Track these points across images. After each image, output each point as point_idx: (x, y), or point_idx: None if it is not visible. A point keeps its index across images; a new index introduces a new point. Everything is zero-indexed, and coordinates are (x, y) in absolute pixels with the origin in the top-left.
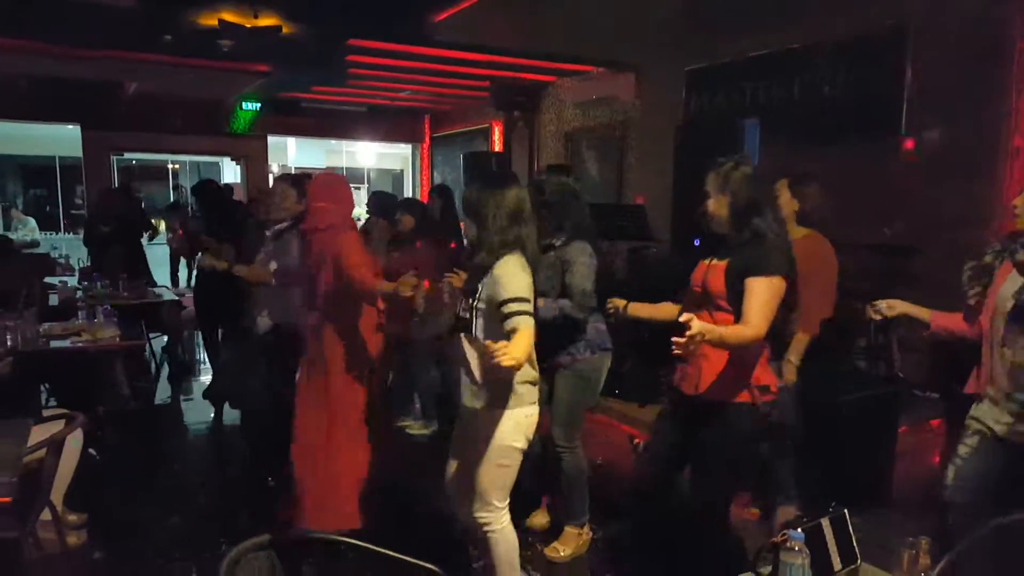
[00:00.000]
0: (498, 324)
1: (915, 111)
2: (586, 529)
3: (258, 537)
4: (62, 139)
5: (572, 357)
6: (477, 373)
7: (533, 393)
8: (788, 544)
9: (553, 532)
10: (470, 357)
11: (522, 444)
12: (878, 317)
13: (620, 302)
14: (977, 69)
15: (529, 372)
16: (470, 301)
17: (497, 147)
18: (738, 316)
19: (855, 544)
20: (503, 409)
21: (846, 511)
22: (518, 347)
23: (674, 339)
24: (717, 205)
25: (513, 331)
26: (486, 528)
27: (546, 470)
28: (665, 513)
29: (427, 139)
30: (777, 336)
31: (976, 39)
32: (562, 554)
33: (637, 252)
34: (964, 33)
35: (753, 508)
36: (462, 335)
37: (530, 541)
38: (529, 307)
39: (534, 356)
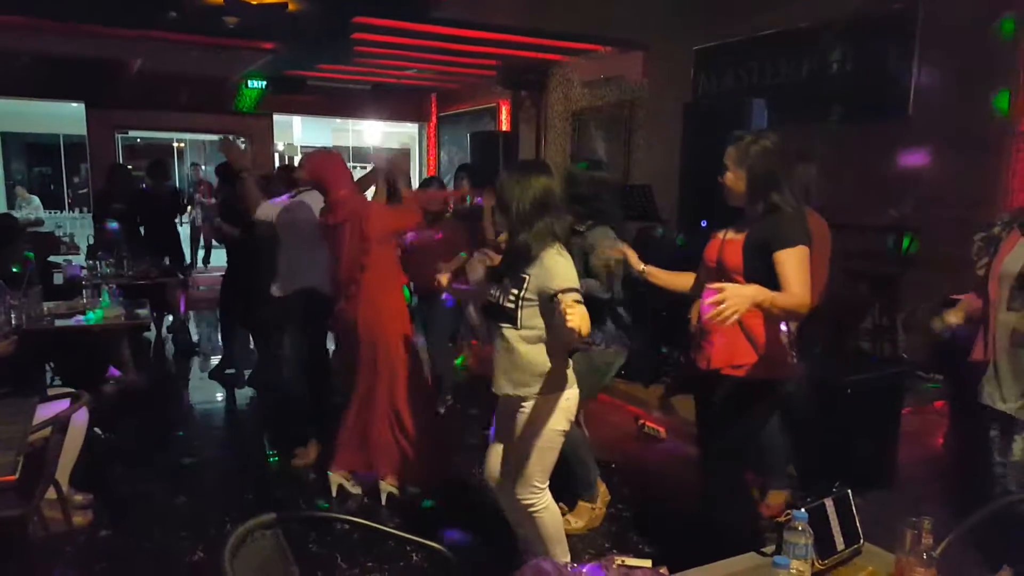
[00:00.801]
0: (547, 316)
1: (923, 90)
2: (600, 503)
3: (264, 516)
4: (66, 117)
5: (588, 344)
6: (528, 363)
7: (572, 375)
8: (792, 524)
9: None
10: (518, 346)
11: (565, 426)
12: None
13: (640, 264)
14: (985, 49)
15: (562, 360)
16: (513, 291)
17: (504, 126)
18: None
19: (858, 524)
20: (545, 394)
21: (849, 491)
22: (583, 320)
23: (707, 302)
24: (735, 179)
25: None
26: (532, 509)
27: None
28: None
29: (434, 118)
30: None
31: (984, 20)
32: (574, 525)
33: (644, 232)
34: (973, 13)
35: (774, 496)
36: (503, 325)
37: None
38: (579, 295)
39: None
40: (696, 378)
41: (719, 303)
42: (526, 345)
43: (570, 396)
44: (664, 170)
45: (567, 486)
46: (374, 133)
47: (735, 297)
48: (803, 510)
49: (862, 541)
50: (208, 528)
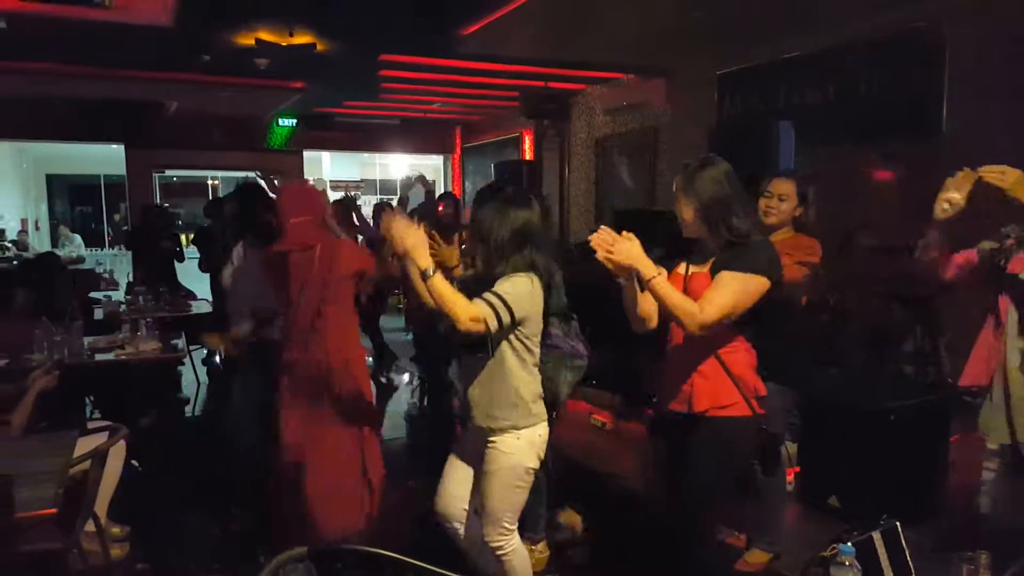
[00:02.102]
0: (518, 345)
1: (956, 107)
2: (542, 546)
3: (296, 549)
4: (107, 158)
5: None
6: (503, 395)
7: (543, 409)
8: (838, 559)
9: None
10: (495, 378)
11: (534, 464)
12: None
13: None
14: (1017, 66)
15: (537, 393)
16: None
17: (528, 156)
18: (741, 325)
19: (909, 558)
20: (517, 430)
21: (898, 524)
22: (463, 303)
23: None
24: (684, 207)
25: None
26: (500, 552)
27: None
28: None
29: (458, 150)
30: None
31: (1017, 35)
32: None
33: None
34: (1005, 29)
35: (755, 554)
36: (479, 356)
37: None
38: (499, 304)
39: (539, 381)
40: (670, 423)
41: (609, 242)
42: (500, 375)
43: (542, 432)
44: None
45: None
46: (400, 166)
47: (624, 251)
48: (849, 544)
49: None
50: (241, 561)
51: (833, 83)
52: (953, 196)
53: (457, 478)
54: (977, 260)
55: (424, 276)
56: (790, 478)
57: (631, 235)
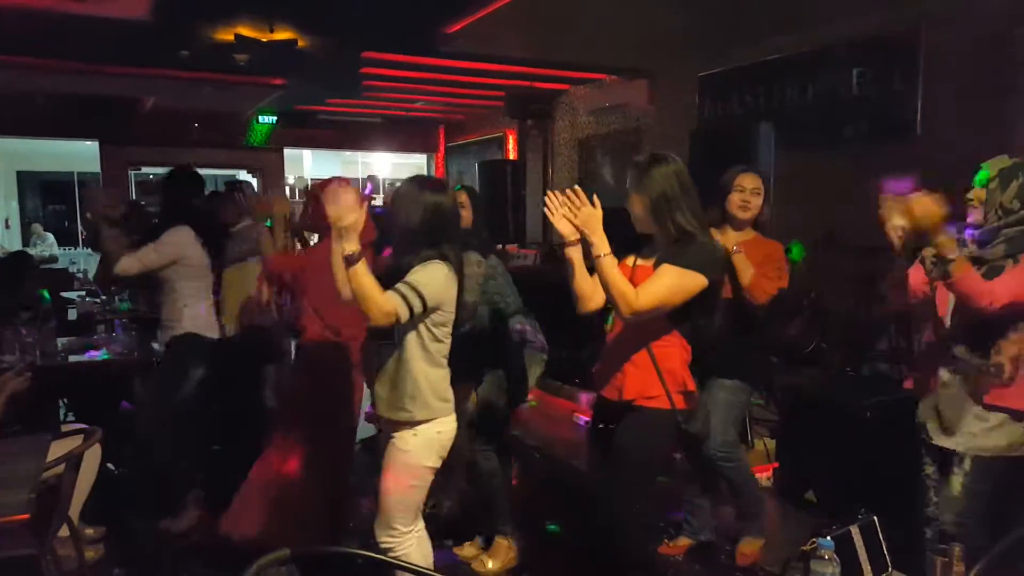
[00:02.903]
0: (425, 334)
1: (930, 111)
2: (509, 543)
3: (278, 551)
4: (80, 155)
5: (492, 364)
6: (405, 384)
7: (446, 405)
8: (818, 552)
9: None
10: (398, 367)
11: (433, 463)
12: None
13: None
14: (993, 69)
15: (441, 388)
16: None
17: (512, 155)
18: (675, 321)
19: (886, 552)
20: (414, 424)
21: (875, 518)
22: (364, 280)
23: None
24: (634, 202)
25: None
26: (390, 554)
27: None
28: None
29: (442, 149)
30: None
31: (991, 39)
32: (489, 568)
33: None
34: (979, 33)
35: (681, 540)
36: (383, 344)
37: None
38: (411, 296)
39: (447, 376)
40: (606, 410)
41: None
42: (403, 365)
43: (443, 430)
44: None
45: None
46: (383, 164)
47: (586, 217)
48: (829, 538)
49: (890, 569)
50: (222, 563)
51: (812, 85)
52: (896, 223)
53: None
54: (924, 271)
55: (349, 260)
56: (768, 473)
57: (597, 203)
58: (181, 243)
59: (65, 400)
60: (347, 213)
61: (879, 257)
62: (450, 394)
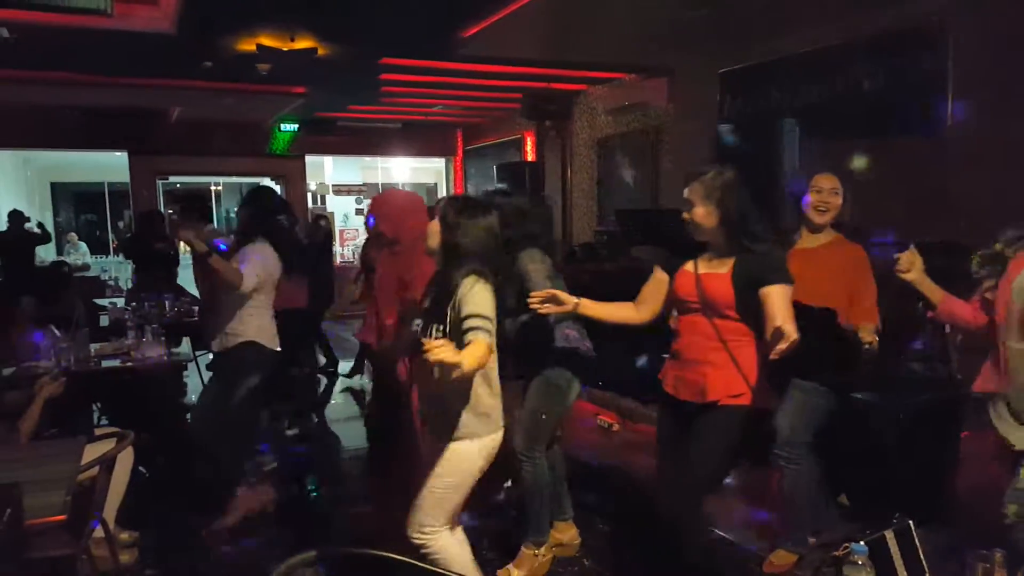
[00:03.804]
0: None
1: (961, 103)
2: (544, 550)
3: (305, 554)
4: (110, 166)
5: (539, 367)
6: (454, 403)
7: (499, 416)
8: (851, 558)
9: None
10: (441, 383)
11: (479, 468)
12: (904, 271)
13: (570, 299)
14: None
15: (488, 401)
16: (438, 327)
17: (530, 157)
18: (750, 325)
19: (923, 558)
20: (467, 436)
21: (911, 522)
22: (468, 355)
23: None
24: (705, 214)
25: (468, 344)
26: (424, 551)
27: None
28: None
29: (460, 152)
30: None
31: (1019, 30)
32: (513, 575)
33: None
34: (1010, 22)
35: (780, 554)
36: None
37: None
38: (488, 324)
39: (497, 385)
40: (683, 413)
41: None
42: (453, 383)
43: (497, 438)
44: None
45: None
46: (402, 169)
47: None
48: (862, 543)
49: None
50: (251, 566)
51: (836, 80)
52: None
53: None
54: (982, 294)
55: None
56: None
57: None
58: (266, 256)
59: (98, 404)
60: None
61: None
62: (498, 405)
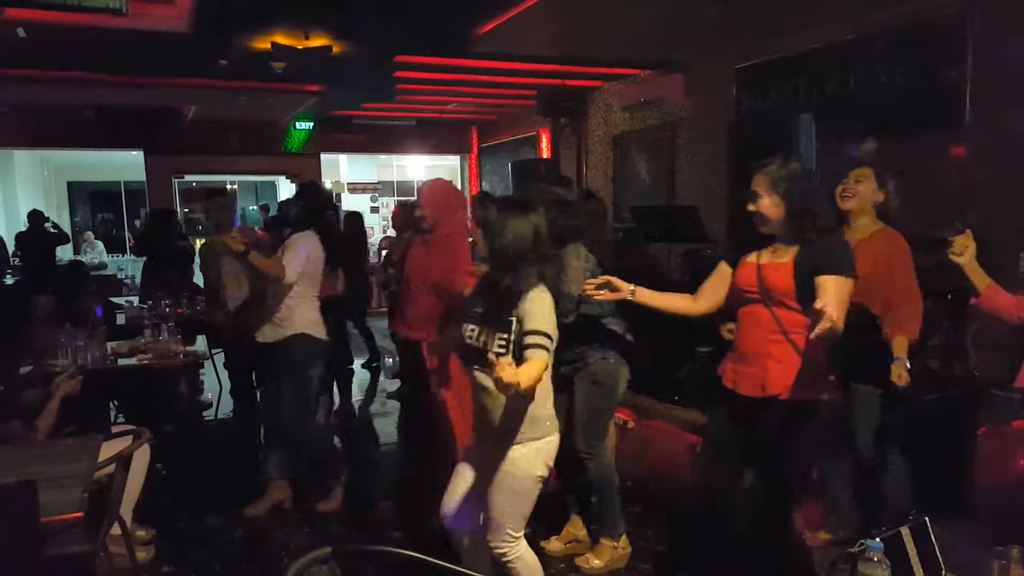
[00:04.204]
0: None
1: (980, 98)
2: (623, 542)
3: (320, 550)
4: (127, 165)
5: (584, 361)
6: (495, 408)
7: (554, 421)
8: (867, 554)
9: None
10: (488, 388)
11: (542, 472)
12: (957, 254)
13: (624, 285)
14: None
15: (544, 405)
16: (502, 335)
17: (545, 154)
18: (809, 312)
19: (939, 554)
20: (529, 441)
21: (927, 519)
22: (525, 372)
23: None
24: (771, 205)
25: (527, 360)
26: (504, 559)
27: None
28: (727, 523)
29: (475, 149)
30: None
31: None
32: (593, 564)
33: (693, 254)
34: None
35: (823, 533)
36: (475, 368)
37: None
38: (549, 343)
39: (549, 392)
40: (743, 407)
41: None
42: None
43: (552, 441)
44: (710, 190)
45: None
46: (418, 167)
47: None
48: (878, 539)
49: (943, 572)
50: (266, 562)
51: (853, 75)
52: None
53: (464, 484)
54: None
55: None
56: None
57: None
58: (312, 247)
59: (115, 402)
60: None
61: (930, 248)
62: (553, 415)
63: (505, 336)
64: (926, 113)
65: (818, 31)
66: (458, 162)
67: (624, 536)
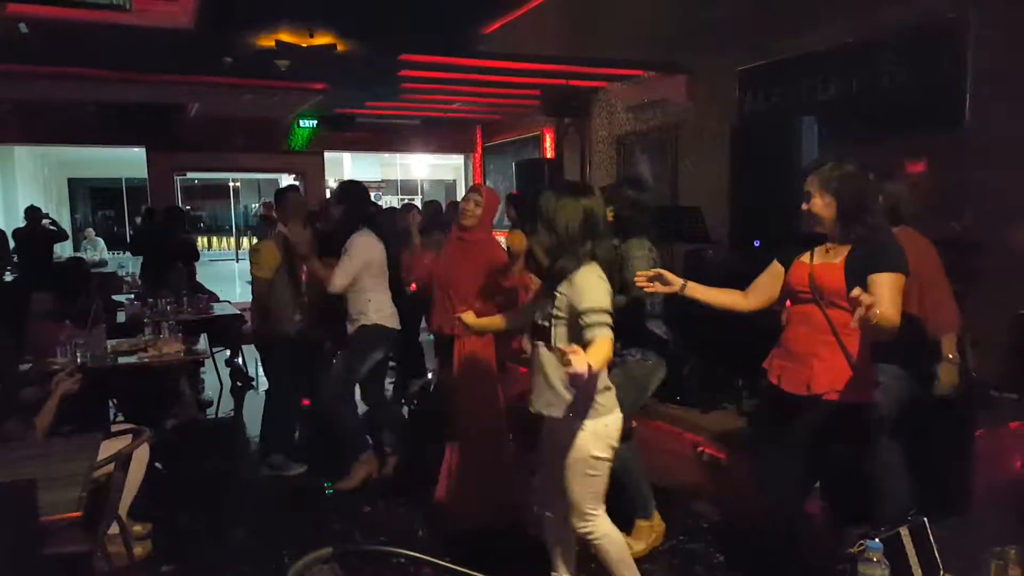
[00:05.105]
0: (576, 332)
1: (980, 100)
2: (657, 519)
3: (321, 550)
4: (128, 161)
5: (623, 357)
6: (558, 384)
7: (612, 400)
8: (866, 555)
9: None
10: (549, 367)
11: (606, 453)
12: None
13: (676, 279)
14: None
15: (605, 380)
16: (547, 310)
17: (549, 154)
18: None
19: (937, 554)
20: (583, 419)
21: (925, 519)
22: (594, 355)
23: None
24: (823, 206)
25: (591, 341)
26: (590, 537)
27: None
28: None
29: (479, 149)
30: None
31: None
32: (635, 548)
33: (695, 254)
34: None
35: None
36: (539, 344)
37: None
38: (608, 319)
39: (605, 375)
40: (786, 404)
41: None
42: (559, 364)
43: (609, 422)
44: (713, 191)
45: (620, 508)
46: (421, 166)
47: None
48: (877, 540)
49: (942, 572)
50: (267, 561)
51: (855, 77)
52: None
53: (543, 467)
54: None
55: (575, 377)
56: None
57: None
58: (368, 246)
59: (115, 401)
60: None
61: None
62: (611, 389)
63: (548, 310)
64: (926, 114)
65: (821, 33)
66: (462, 161)
67: (656, 513)
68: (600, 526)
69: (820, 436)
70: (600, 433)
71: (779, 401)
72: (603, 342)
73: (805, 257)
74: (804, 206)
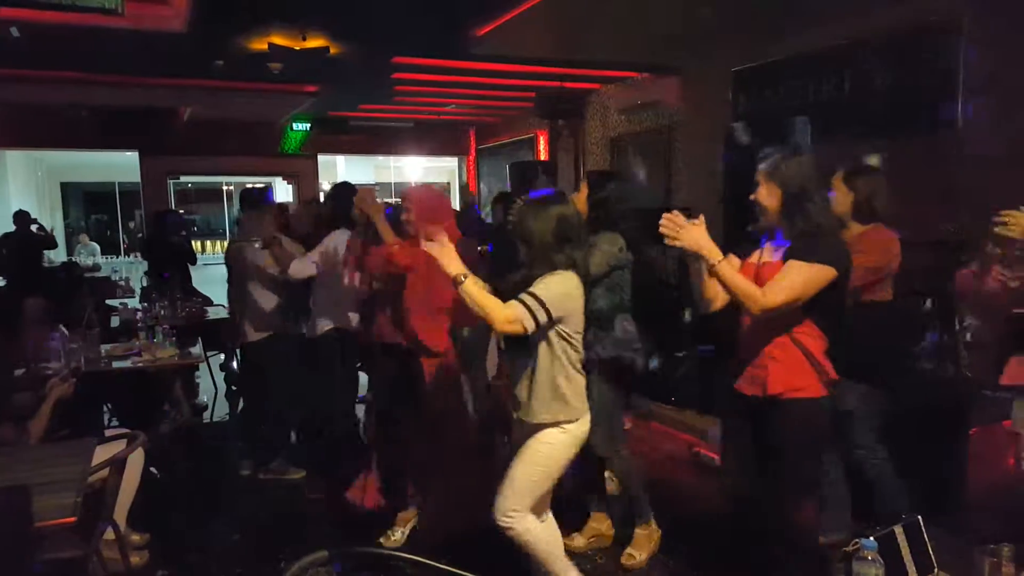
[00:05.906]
0: (556, 344)
1: (972, 101)
2: (654, 526)
3: (316, 553)
4: (121, 166)
5: (598, 356)
6: (544, 392)
7: (584, 405)
8: (861, 553)
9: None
10: (540, 373)
11: (568, 458)
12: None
13: (715, 252)
14: None
15: (567, 389)
16: None
17: (543, 156)
18: (813, 316)
19: (932, 552)
20: (560, 424)
21: (920, 518)
22: (483, 294)
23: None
24: (767, 194)
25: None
26: (510, 534)
27: (591, 483)
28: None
29: (472, 151)
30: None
31: None
32: (638, 558)
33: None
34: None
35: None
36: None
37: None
38: (533, 304)
39: (576, 377)
40: (749, 408)
41: (676, 227)
42: (539, 372)
43: (573, 429)
44: (706, 192)
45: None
46: (415, 169)
47: (689, 237)
48: (872, 538)
49: (936, 570)
50: (263, 566)
51: (848, 79)
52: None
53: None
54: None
55: (456, 283)
56: None
57: (699, 220)
58: (340, 242)
59: (109, 405)
60: (443, 249)
61: (920, 250)
62: (583, 397)
63: None
64: (919, 116)
65: (814, 34)
66: (456, 163)
67: (652, 520)
68: (520, 522)
69: (780, 437)
70: (565, 440)
71: (742, 406)
72: (514, 307)
73: (754, 256)
74: (752, 196)
